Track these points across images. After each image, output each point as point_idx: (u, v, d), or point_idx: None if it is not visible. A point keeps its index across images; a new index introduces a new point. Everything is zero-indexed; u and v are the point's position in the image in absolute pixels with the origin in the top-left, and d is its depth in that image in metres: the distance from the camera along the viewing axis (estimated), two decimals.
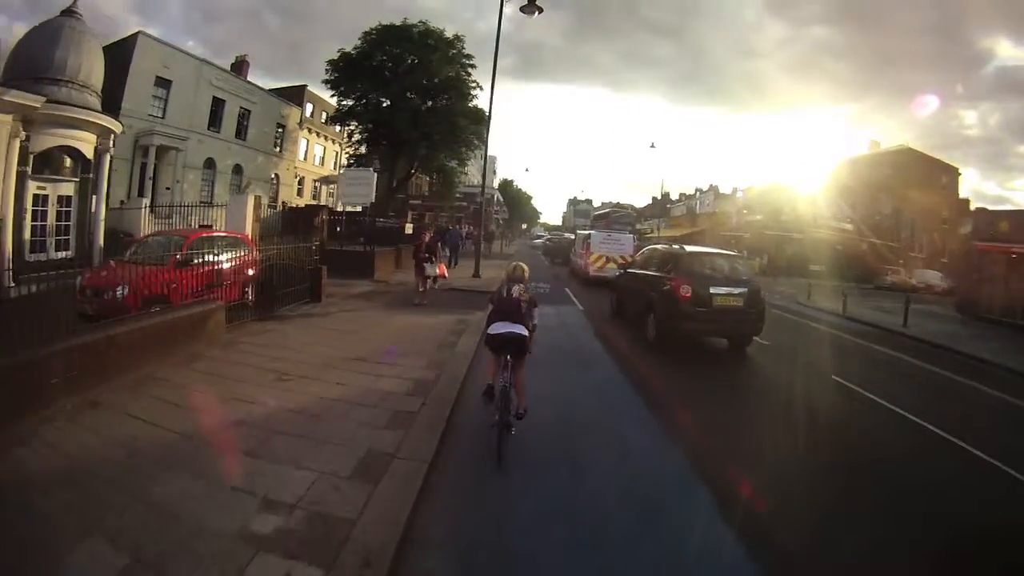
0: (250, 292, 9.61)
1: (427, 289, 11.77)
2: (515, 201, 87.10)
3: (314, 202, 35.08)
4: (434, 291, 12.84)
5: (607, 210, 35.33)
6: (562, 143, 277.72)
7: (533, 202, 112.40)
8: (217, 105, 28.53)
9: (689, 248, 10.20)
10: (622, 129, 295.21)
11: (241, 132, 29.87)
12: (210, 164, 28.22)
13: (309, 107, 35.48)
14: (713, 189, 70.47)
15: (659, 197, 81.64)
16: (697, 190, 77.79)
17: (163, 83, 26.02)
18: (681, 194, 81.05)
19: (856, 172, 44.71)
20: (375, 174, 15.17)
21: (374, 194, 14.93)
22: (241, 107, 29.74)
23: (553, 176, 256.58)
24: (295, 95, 34.63)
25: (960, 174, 49.76)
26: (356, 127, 29.32)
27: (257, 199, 11.77)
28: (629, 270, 11.75)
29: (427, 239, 11.96)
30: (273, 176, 32.09)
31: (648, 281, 10.07)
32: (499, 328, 4.99)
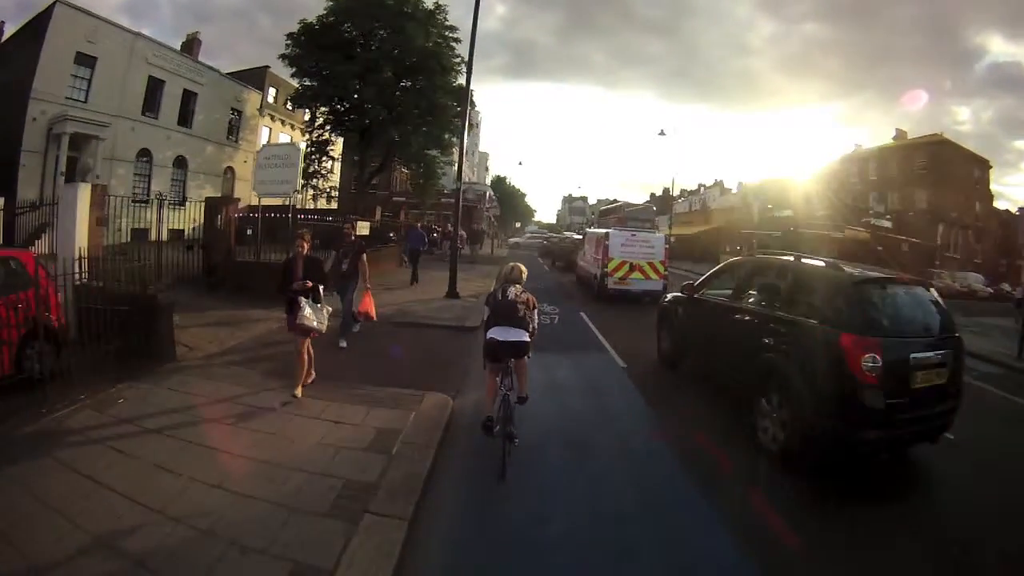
0: (36, 358, 5.24)
1: (310, 357, 5.79)
2: (509, 198, 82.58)
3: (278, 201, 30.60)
4: (370, 330, 8.34)
5: (618, 203, 30.69)
6: (556, 142, 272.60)
7: (527, 199, 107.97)
8: (155, 86, 23.98)
9: (854, 271, 5.34)
10: (615, 127, 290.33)
11: (186, 118, 25.31)
12: (145, 155, 23.66)
13: (272, 92, 30.92)
14: (718, 184, 66.53)
15: (657, 194, 77.72)
16: (700, 185, 73.95)
17: (86, 60, 21.61)
18: (682, 190, 76.97)
19: (885, 164, 40.68)
20: (300, 150, 10.54)
21: (299, 180, 10.38)
22: (185, 89, 25.18)
23: (547, 174, 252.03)
24: (255, 78, 30.08)
25: (992, 167, 45.94)
26: (317, 108, 24.76)
27: (99, 190, 7.37)
28: (699, 295, 7.30)
29: (304, 251, 5.72)
30: (226, 170, 27.48)
31: (759, 326, 5.61)
32: (498, 334, 4.65)
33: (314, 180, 25.78)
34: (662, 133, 30.10)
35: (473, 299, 12.70)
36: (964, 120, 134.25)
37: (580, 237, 27.23)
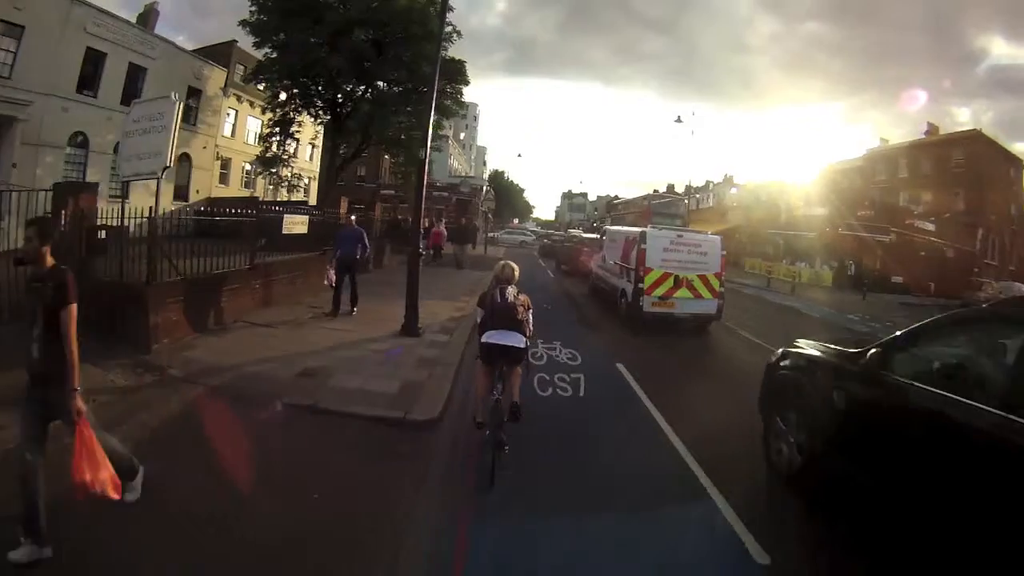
0: None
1: None
2: (506, 193, 79.18)
3: (248, 192, 27.08)
4: (216, 430, 4.44)
5: (620, 199, 27.32)
6: (555, 138, 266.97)
7: (525, 195, 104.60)
8: (94, 60, 20.48)
9: None
10: (616, 125, 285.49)
11: (132, 97, 21.42)
12: (80, 141, 20.17)
13: (240, 70, 27.36)
14: (729, 179, 63.24)
15: (661, 191, 74.25)
16: (708, 181, 70.44)
17: (11, 30, 18.19)
18: (687, 186, 73.48)
19: (916, 161, 37.32)
20: (175, 104, 6.73)
21: (171, 152, 6.69)
22: (132, 63, 21.64)
23: (546, 171, 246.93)
24: (220, 54, 26.55)
25: None
26: (280, 83, 21.24)
27: None
28: (892, 374, 3.69)
29: None
30: (181, 157, 23.94)
31: None
32: (494, 337, 4.56)
33: (274, 167, 22.24)
34: (679, 120, 26.91)
35: (444, 337, 8.46)
36: (964, 121, 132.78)
37: (591, 236, 23.35)
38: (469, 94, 22.74)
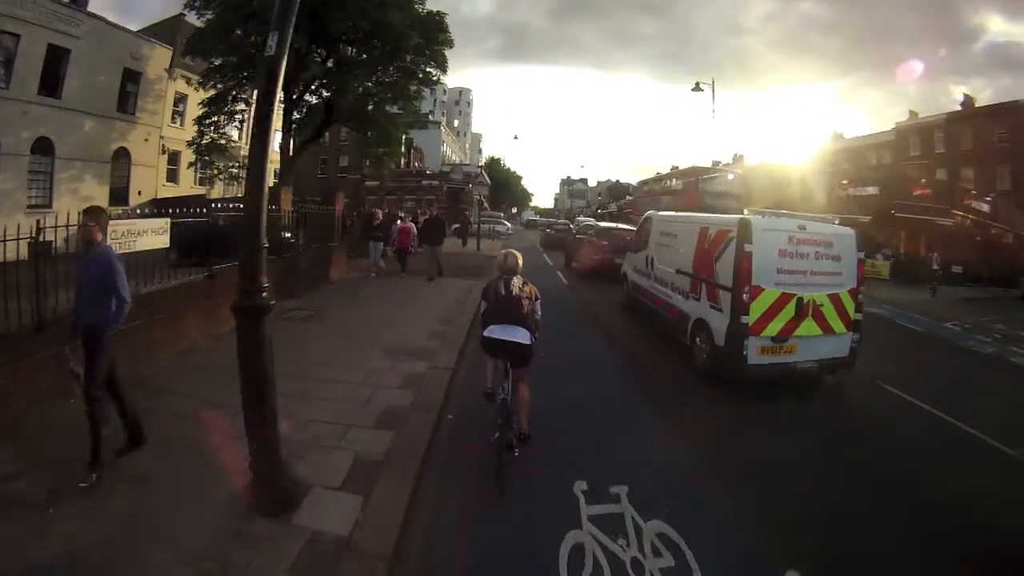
0: None
1: None
2: (504, 181, 75.65)
3: (203, 190, 23.60)
4: None
5: (675, 170, 23.80)
6: (551, 125, 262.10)
7: (523, 183, 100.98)
8: (4, 44, 16.92)
9: None
10: (611, 110, 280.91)
11: (52, 85, 18.24)
12: None
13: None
14: (739, 159, 59.67)
15: (663, 173, 70.47)
16: (716, 162, 66.78)
17: None
18: (692, 167, 69.78)
19: (954, 135, 33.76)
20: None
21: None
22: (52, 45, 18.07)
23: (544, 159, 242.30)
24: (164, 32, 23.02)
25: None
26: (217, 53, 17.60)
27: None
28: None
29: None
30: (117, 152, 20.44)
31: None
32: (496, 332, 4.38)
33: (211, 156, 18.57)
34: (697, 87, 23.52)
35: (346, 514, 3.49)
36: (962, 100, 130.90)
37: (612, 225, 18.89)
38: (462, 79, 19.16)
